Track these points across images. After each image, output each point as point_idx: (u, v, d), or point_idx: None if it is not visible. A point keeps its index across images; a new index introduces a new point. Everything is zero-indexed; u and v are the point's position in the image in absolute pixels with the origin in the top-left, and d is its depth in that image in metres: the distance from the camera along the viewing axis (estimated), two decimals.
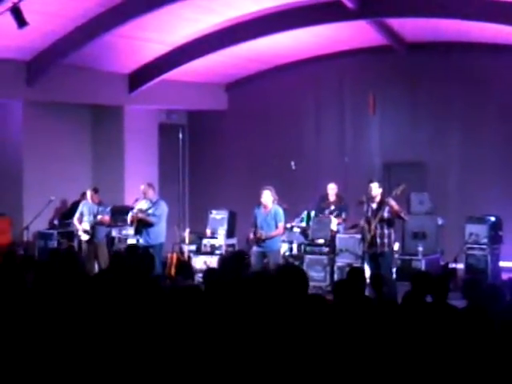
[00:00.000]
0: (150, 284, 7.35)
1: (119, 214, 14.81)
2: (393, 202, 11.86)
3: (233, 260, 9.15)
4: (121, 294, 6.54)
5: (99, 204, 13.83)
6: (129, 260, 8.63)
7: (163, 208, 13.43)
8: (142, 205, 13.43)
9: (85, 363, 5.63)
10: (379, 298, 8.03)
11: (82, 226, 13.72)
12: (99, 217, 13.61)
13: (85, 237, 13.70)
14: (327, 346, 6.01)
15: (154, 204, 13.34)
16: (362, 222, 12.26)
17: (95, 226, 13.63)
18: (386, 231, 11.92)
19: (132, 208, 13.74)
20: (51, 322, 6.06)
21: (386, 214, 11.88)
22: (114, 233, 14.78)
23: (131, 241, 13.82)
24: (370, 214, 12.07)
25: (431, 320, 6.72)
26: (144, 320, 6.04)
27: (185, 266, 13.41)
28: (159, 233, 13.36)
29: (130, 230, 13.95)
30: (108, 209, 13.97)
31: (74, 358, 5.65)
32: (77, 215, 13.91)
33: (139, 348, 5.74)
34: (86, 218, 13.75)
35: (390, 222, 11.95)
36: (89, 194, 13.91)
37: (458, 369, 5.82)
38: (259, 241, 12.46)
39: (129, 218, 13.49)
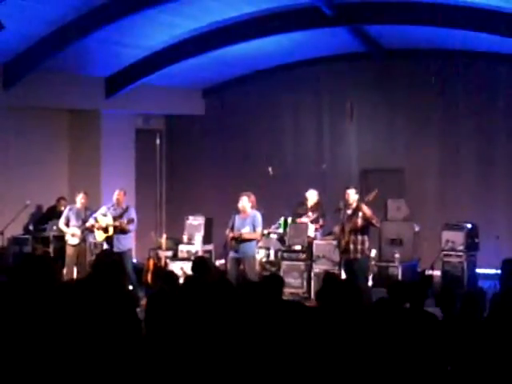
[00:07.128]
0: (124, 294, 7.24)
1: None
2: (365, 208, 11.84)
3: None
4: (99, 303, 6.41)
5: (86, 209, 13.67)
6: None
7: (135, 214, 13.36)
8: (104, 210, 13.31)
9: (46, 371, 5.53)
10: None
11: (70, 229, 13.46)
12: (92, 222, 13.30)
13: (73, 240, 13.45)
14: (305, 352, 6.01)
15: (126, 211, 13.22)
16: (337, 228, 12.27)
17: (83, 231, 13.42)
18: (359, 237, 11.87)
19: (94, 212, 13.53)
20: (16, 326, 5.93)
21: (359, 220, 11.86)
22: (91, 238, 14.59)
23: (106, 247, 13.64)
24: (344, 219, 12.06)
25: (407, 326, 6.73)
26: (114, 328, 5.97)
27: (166, 273, 13.29)
28: (130, 239, 13.31)
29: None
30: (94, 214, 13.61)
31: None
32: (63, 220, 13.65)
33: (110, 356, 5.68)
34: (73, 223, 13.49)
35: (363, 229, 11.93)
36: (81, 197, 13.64)
37: (436, 373, 5.85)
38: (236, 240, 12.35)
39: (100, 224, 13.20)
